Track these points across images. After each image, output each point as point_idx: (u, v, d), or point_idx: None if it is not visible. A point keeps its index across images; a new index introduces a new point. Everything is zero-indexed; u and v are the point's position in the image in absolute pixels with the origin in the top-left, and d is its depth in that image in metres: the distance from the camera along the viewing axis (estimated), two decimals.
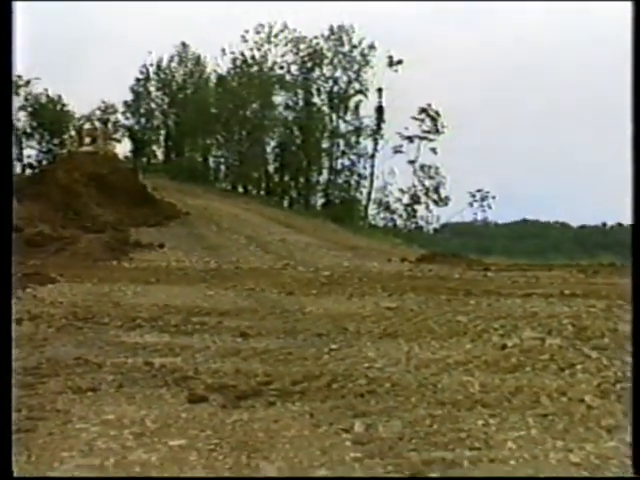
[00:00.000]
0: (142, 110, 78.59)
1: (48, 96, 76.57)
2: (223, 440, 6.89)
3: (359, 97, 74.61)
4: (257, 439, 6.93)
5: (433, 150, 71.93)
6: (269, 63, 74.99)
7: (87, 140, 68.81)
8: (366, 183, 75.32)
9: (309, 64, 74.37)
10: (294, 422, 7.47)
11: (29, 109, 76.36)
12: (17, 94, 74.84)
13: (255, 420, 7.55)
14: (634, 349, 3.87)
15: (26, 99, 76.19)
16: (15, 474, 4.28)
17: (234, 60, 75.76)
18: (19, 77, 74.12)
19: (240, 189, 74.97)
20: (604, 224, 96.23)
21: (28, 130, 76.87)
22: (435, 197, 73.25)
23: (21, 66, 74.65)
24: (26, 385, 8.83)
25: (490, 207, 73.20)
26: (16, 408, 7.82)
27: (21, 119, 76.57)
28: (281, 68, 75.12)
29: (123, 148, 73.64)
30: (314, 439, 6.92)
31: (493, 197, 72.99)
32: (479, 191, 72.79)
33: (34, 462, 6.33)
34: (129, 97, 78.19)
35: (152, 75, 78.50)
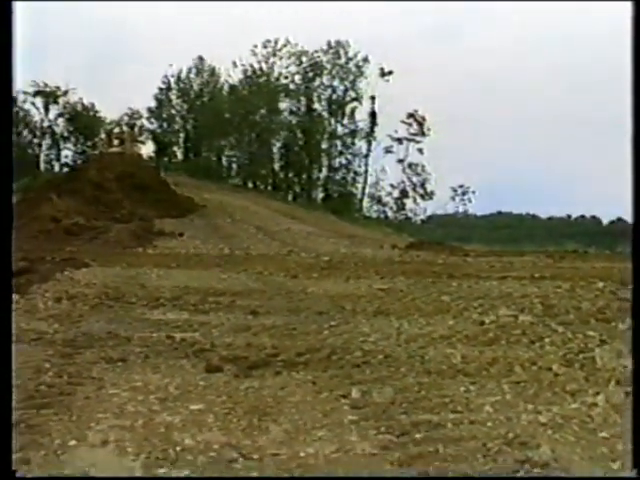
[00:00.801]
0: (164, 116, 78.68)
1: (83, 104, 76.58)
2: (236, 405, 6.93)
3: (354, 104, 74.87)
4: (266, 404, 6.97)
5: (420, 150, 72.47)
6: (275, 74, 75.26)
7: (116, 142, 68.83)
8: (361, 179, 75.75)
9: (310, 74, 74.59)
10: (298, 389, 7.51)
11: (66, 116, 76.29)
12: (56, 103, 75.04)
13: (264, 387, 7.59)
14: (634, 349, 3.84)
15: (64, 107, 76.18)
16: (16, 472, 4.12)
17: (244, 71, 76.27)
18: (58, 88, 74.28)
19: (250, 185, 75.03)
20: (569, 216, 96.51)
21: (65, 134, 76.85)
22: (422, 192, 73.65)
23: (60, 77, 75.04)
24: (65, 355, 8.87)
25: (470, 201, 73.99)
26: (57, 374, 7.88)
27: (59, 124, 76.63)
28: (285, 78, 75.39)
29: (147, 149, 73.75)
30: (316, 404, 6.96)
31: (473, 192, 73.69)
32: (460, 186, 73.47)
33: (75, 421, 6.37)
34: (153, 104, 78.44)
35: (173, 85, 78.67)
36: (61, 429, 6.15)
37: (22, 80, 76.23)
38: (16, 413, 6.50)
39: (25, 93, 75.73)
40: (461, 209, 74.87)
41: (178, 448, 5.69)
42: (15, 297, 13.23)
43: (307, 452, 5.60)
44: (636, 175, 3.82)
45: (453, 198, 74.03)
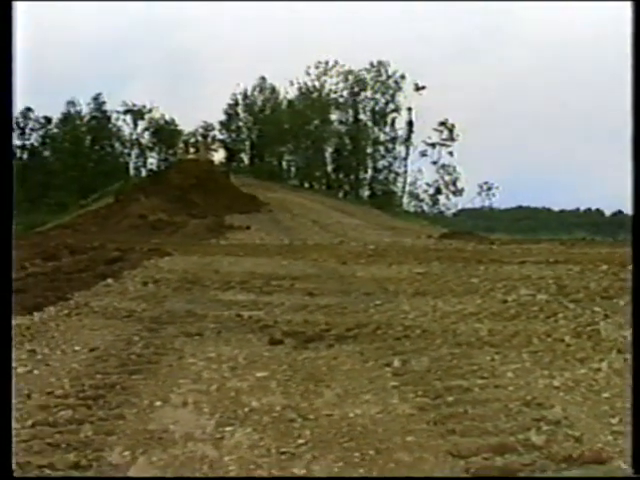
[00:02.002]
0: (233, 127, 78.93)
1: (165, 119, 77.25)
2: (295, 372, 6.95)
3: (394, 114, 74.51)
4: (320, 372, 6.99)
5: (450, 153, 72.21)
6: (326, 90, 75.26)
7: (192, 151, 69.30)
8: (401, 179, 75.49)
9: (356, 90, 74.47)
10: (348, 359, 7.51)
11: (151, 129, 77.06)
12: (142, 119, 75.95)
13: (319, 358, 7.60)
14: (634, 349, 3.77)
15: (149, 122, 76.99)
16: (14, 474, 4.14)
17: (300, 88, 76.31)
18: (143, 106, 75.37)
19: (306, 185, 74.93)
20: (577, 209, 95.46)
21: (150, 145, 77.62)
22: (453, 189, 73.40)
23: (146, 98, 75.79)
24: (152, 330, 8.96)
25: (494, 195, 73.83)
26: (145, 346, 7.98)
27: (145, 137, 77.49)
28: (335, 93, 75.23)
29: (219, 156, 73.78)
30: (363, 372, 6.96)
31: (496, 188, 73.50)
32: (485, 183, 73.26)
33: (160, 385, 6.45)
34: (223, 118, 78.83)
35: (240, 101, 78.94)
36: (149, 392, 6.23)
37: (115, 101, 77.58)
38: (112, 377, 6.62)
39: (117, 112, 76.85)
40: (487, 203, 74.94)
41: (246, 409, 5.73)
42: (109, 281, 13.42)
43: (355, 413, 5.61)
44: (636, 175, 3.75)
45: (479, 194, 73.97)
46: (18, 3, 3.34)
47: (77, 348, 8.00)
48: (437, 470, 4.50)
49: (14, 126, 76.59)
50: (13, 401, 5.91)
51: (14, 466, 4.58)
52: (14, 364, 7.26)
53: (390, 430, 5.21)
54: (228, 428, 5.30)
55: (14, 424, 5.34)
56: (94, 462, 4.66)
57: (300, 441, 5.02)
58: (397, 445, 4.91)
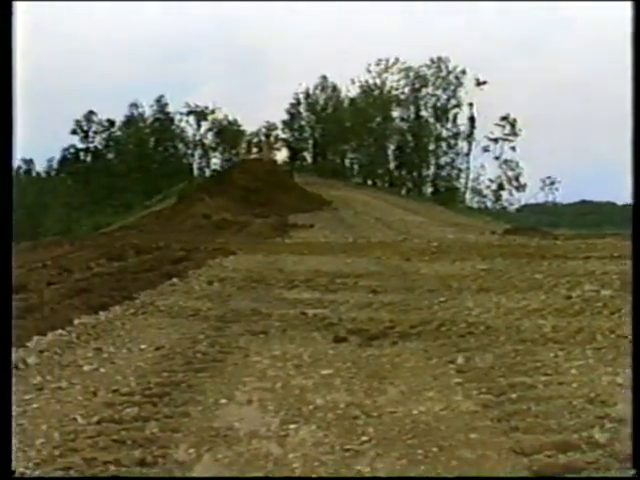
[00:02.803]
0: (295, 126, 79.33)
1: (228, 120, 77.95)
2: (359, 370, 6.97)
3: (456, 110, 74.23)
4: (384, 369, 6.99)
5: (513, 148, 71.63)
6: (387, 87, 75.20)
7: (255, 150, 69.88)
8: (463, 175, 75.19)
9: (417, 86, 74.29)
10: (412, 356, 7.50)
11: (214, 130, 77.82)
12: (205, 120, 76.69)
13: (383, 355, 7.61)
14: (634, 349, 3.70)
15: (212, 123, 77.80)
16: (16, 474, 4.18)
17: (361, 86, 76.49)
18: (206, 107, 76.05)
19: (369, 182, 74.93)
20: None
21: (213, 145, 78.40)
22: (516, 184, 72.87)
23: (209, 99, 76.53)
24: (217, 328, 9.05)
25: (557, 190, 73.13)
26: (210, 344, 8.07)
27: (209, 137, 78.32)
28: (396, 90, 75.17)
29: (282, 155, 74.58)
30: (427, 369, 6.95)
31: (559, 182, 72.78)
32: (548, 178, 72.66)
33: (225, 383, 6.52)
34: (286, 117, 79.27)
35: (302, 100, 79.28)
36: (214, 389, 6.31)
37: (178, 103, 78.54)
38: (177, 375, 6.72)
39: (180, 113, 77.80)
40: (550, 198, 74.29)
41: (310, 407, 5.77)
42: (175, 280, 13.57)
43: (419, 410, 5.60)
44: (636, 175, 3.69)
45: (542, 189, 73.55)
46: (18, 3, 3.36)
47: (143, 346, 8.12)
48: (500, 468, 4.48)
49: (77, 129, 78.12)
50: (79, 398, 6.06)
51: (79, 460, 4.70)
52: (80, 362, 7.43)
53: (453, 427, 5.20)
54: (292, 425, 5.35)
55: (80, 420, 5.47)
56: (160, 459, 4.74)
57: (364, 438, 5.04)
58: (460, 442, 4.90)
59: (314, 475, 4.49)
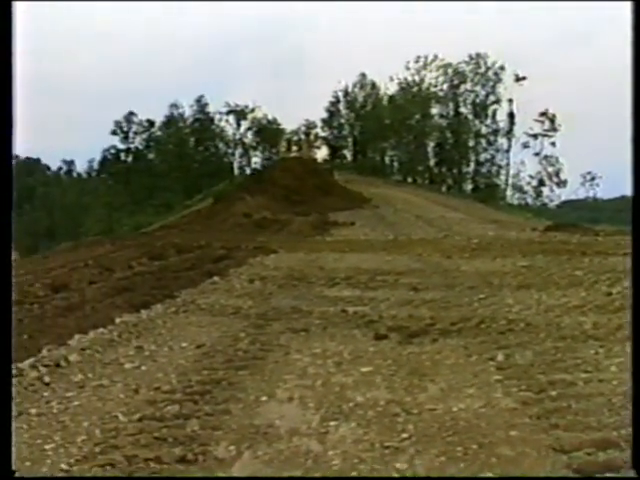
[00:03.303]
0: (335, 124, 79.35)
1: (267, 119, 78.14)
2: (400, 367, 6.98)
3: (495, 106, 73.44)
4: (425, 366, 7.00)
5: (552, 144, 70.77)
6: (426, 84, 74.90)
7: (294, 149, 69.97)
8: (503, 172, 74.41)
9: (456, 83, 73.84)
10: (452, 353, 7.49)
11: (254, 129, 78.02)
12: (245, 119, 76.85)
13: (423, 352, 7.61)
14: (634, 349, 3.66)
15: (252, 122, 77.97)
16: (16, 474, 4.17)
17: (400, 83, 76.25)
18: (246, 106, 76.26)
19: (409, 180, 74.69)
20: None
21: (253, 144, 78.60)
22: (556, 180, 71.92)
23: (249, 98, 76.84)
24: (258, 326, 9.11)
25: (598, 185, 72.30)
26: (251, 342, 8.12)
27: (248, 136, 78.52)
28: (435, 87, 74.75)
29: (322, 154, 74.62)
30: (467, 366, 6.94)
31: (600, 178, 71.95)
32: (589, 174, 71.80)
33: (266, 381, 6.57)
34: (325, 115, 79.32)
35: (341, 98, 79.27)
36: (255, 387, 6.36)
37: (218, 102, 78.91)
38: (218, 373, 6.78)
39: (220, 113, 78.11)
40: (590, 194, 73.41)
41: (350, 404, 5.80)
42: (216, 279, 13.65)
43: (459, 407, 5.60)
44: (636, 175, 3.65)
45: (583, 184, 72.60)
46: (18, 3, 3.38)
47: (184, 345, 8.20)
48: (539, 465, 4.47)
49: (117, 130, 78.86)
50: (121, 395, 6.13)
51: (120, 457, 4.76)
52: (122, 360, 7.52)
53: (493, 424, 5.19)
54: (333, 423, 5.38)
55: (121, 418, 5.54)
56: (200, 456, 4.79)
57: (404, 435, 5.05)
58: (500, 439, 4.89)
59: (354, 473, 4.51)
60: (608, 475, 4.32)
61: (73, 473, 4.63)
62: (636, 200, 3.66)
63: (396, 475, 4.47)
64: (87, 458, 4.81)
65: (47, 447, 5.08)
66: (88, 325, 9.08)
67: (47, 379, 6.78)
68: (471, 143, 74.47)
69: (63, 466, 4.72)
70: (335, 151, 77.98)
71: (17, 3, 3.32)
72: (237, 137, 78.78)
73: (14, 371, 6.87)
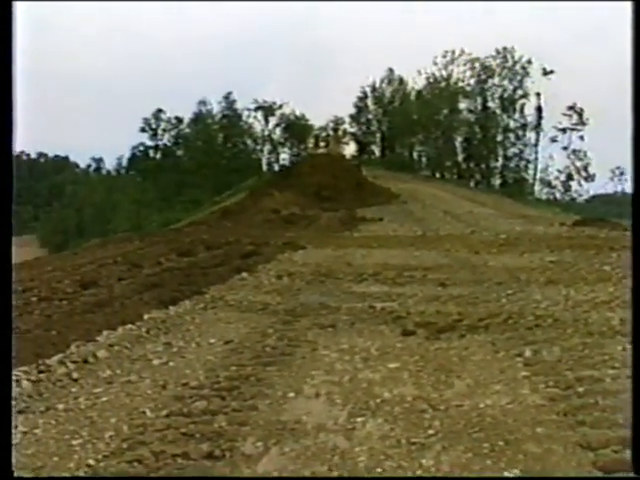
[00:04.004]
0: (363, 120, 79.42)
1: (295, 115, 78.29)
2: (427, 363, 6.97)
3: (523, 100, 73.17)
4: (452, 362, 6.98)
5: (581, 138, 70.30)
6: (453, 79, 74.76)
7: (322, 145, 69.97)
8: (532, 166, 74.07)
9: (483, 77, 73.61)
10: (479, 349, 7.47)
11: (282, 125, 78.21)
12: (273, 115, 77.09)
13: (450, 348, 7.59)
14: (634, 349, 3.63)
15: (280, 118, 78.18)
16: (15, 474, 4.14)
17: (427, 78, 76.26)
18: (274, 103, 76.48)
19: (437, 175, 74.60)
20: None
21: (282, 140, 78.78)
22: (584, 175, 71.46)
23: (277, 95, 77.03)
24: (286, 322, 9.12)
25: (627, 180, 71.75)
26: (279, 338, 8.14)
27: (277, 133, 78.74)
28: (462, 82, 74.68)
29: (350, 150, 74.55)
30: (494, 362, 6.92)
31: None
32: (618, 168, 71.20)
33: (293, 377, 6.59)
34: (353, 111, 79.39)
35: (369, 94, 79.35)
36: (282, 383, 6.38)
37: (246, 99, 79.15)
38: (246, 369, 6.80)
39: (248, 109, 78.36)
40: (619, 189, 72.81)
41: (378, 400, 5.80)
42: (244, 275, 13.68)
43: (486, 403, 5.59)
44: (636, 176, 3.62)
45: (612, 179, 72.07)
46: (18, 3, 3.39)
47: (212, 341, 8.24)
48: (565, 462, 4.45)
49: (146, 127, 79.35)
50: (149, 391, 6.17)
51: (147, 453, 4.79)
52: (150, 356, 7.58)
53: (520, 421, 5.18)
54: (360, 419, 5.39)
55: (149, 414, 5.58)
56: (227, 452, 4.82)
57: (430, 432, 5.06)
58: (526, 436, 4.88)
59: (380, 470, 4.53)
60: (608, 475, 4.30)
61: (100, 469, 4.67)
62: (636, 199, 3.64)
63: (420, 473, 4.48)
64: (114, 454, 4.85)
65: (74, 443, 5.13)
66: (116, 321, 9.15)
67: (75, 375, 6.84)
68: (499, 138, 74.24)
69: (90, 462, 4.76)
70: (363, 147, 78.04)
71: (17, 3, 3.35)
72: (265, 133, 79.16)
73: (42, 367, 6.95)
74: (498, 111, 74.27)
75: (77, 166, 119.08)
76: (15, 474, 4.13)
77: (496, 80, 73.79)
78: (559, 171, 72.52)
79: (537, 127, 73.10)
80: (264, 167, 77.92)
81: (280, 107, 77.90)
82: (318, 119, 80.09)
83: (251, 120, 79.86)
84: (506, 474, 4.38)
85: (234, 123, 79.68)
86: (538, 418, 5.21)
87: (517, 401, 5.61)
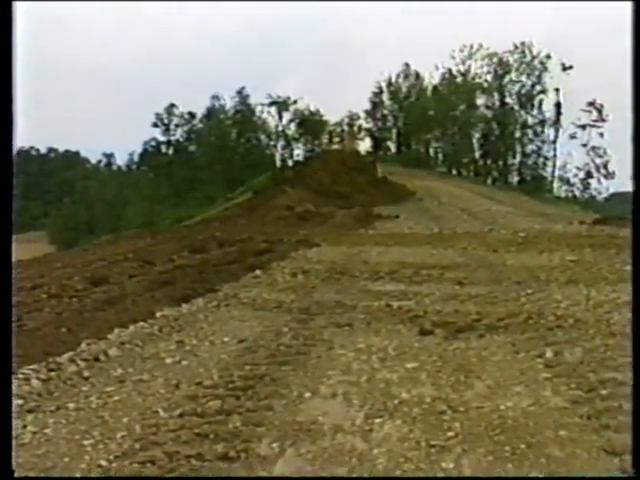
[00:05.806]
0: (378, 115, 79.28)
1: (309, 110, 78.21)
2: (445, 363, 6.93)
3: (541, 96, 72.71)
4: (471, 363, 6.93)
5: (600, 135, 69.70)
6: (471, 74, 74.50)
7: (337, 140, 69.88)
8: (550, 163, 73.61)
9: (501, 73, 73.29)
10: (499, 350, 7.42)
11: (296, 121, 78.14)
12: (287, 110, 77.00)
13: (469, 348, 7.54)
14: (634, 349, 3.58)
15: (294, 114, 78.09)
16: (16, 474, 4.18)
17: (444, 73, 76.05)
18: (288, 98, 76.45)
19: (454, 172, 74.36)
20: None
21: (296, 136, 78.69)
22: (604, 172, 70.91)
23: (291, 90, 77.05)
24: (301, 321, 9.09)
25: None
26: (294, 337, 8.11)
27: (291, 128, 78.66)
28: (480, 77, 74.38)
29: (365, 146, 74.44)
30: (514, 363, 6.87)
31: None
32: None
33: (309, 376, 6.57)
34: (368, 106, 79.27)
35: (384, 89, 79.20)
36: (298, 383, 6.35)
37: (259, 94, 79.15)
38: (260, 368, 6.78)
39: (262, 105, 78.31)
40: None
41: (395, 401, 5.77)
42: (258, 272, 13.67)
43: (506, 405, 5.55)
44: (636, 177, 3.57)
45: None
46: (18, 3, 3.38)
47: (226, 339, 8.22)
48: (589, 467, 4.40)
49: (158, 122, 79.50)
50: (161, 391, 6.15)
51: (161, 454, 4.77)
52: (162, 354, 7.56)
53: (542, 424, 5.13)
54: (377, 420, 5.35)
55: (162, 413, 5.56)
56: (242, 453, 4.79)
57: (450, 434, 5.02)
58: (549, 440, 4.83)
59: (399, 472, 4.49)
60: (608, 475, 4.25)
61: (112, 470, 4.65)
62: (636, 199, 3.60)
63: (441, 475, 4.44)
64: (127, 454, 4.83)
65: (86, 443, 5.11)
66: (128, 319, 9.14)
67: (86, 373, 6.84)
68: (517, 134, 73.82)
69: (102, 462, 4.74)
70: (378, 143, 77.88)
71: (17, 3, 3.34)
72: (279, 129, 79.01)
73: (52, 365, 6.94)
74: (516, 107, 73.89)
75: (88, 161, 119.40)
76: (15, 474, 4.11)
77: (514, 75, 73.45)
78: (578, 168, 71.98)
79: (556, 123, 72.64)
80: (278, 163, 77.85)
81: (294, 102, 77.79)
82: (333, 115, 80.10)
83: (265, 115, 79.90)
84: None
85: (247, 118, 79.61)
86: (561, 421, 5.17)
87: (539, 403, 5.56)
